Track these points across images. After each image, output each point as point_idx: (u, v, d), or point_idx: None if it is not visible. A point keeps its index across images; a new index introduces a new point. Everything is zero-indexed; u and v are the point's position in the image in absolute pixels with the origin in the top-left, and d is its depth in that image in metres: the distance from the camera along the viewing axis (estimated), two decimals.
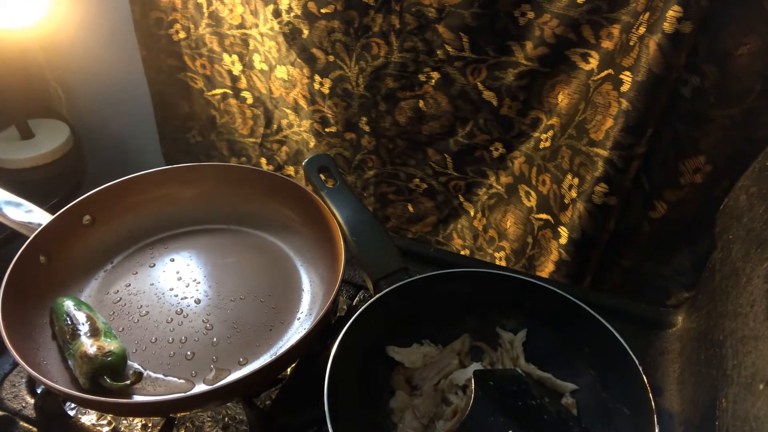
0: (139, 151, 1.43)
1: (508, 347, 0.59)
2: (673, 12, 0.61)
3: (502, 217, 0.92)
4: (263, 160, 1.11)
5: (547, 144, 0.82)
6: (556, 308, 0.57)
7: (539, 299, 0.58)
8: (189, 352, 0.60)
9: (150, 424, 0.60)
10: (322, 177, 0.69)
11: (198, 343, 0.61)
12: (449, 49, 0.81)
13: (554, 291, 0.57)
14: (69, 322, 0.58)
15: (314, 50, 0.91)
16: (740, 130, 0.67)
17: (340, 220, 0.64)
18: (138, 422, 0.60)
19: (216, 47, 1.02)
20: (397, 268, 0.61)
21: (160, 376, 0.58)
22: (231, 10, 0.98)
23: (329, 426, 0.45)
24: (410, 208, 1.01)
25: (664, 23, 0.62)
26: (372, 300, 0.56)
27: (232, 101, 1.07)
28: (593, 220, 0.76)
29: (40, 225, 0.64)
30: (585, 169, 0.76)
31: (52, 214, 0.66)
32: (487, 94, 0.83)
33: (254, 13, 0.95)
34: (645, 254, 0.79)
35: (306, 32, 0.89)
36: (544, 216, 0.85)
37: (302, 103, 0.97)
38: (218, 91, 1.08)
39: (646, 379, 0.49)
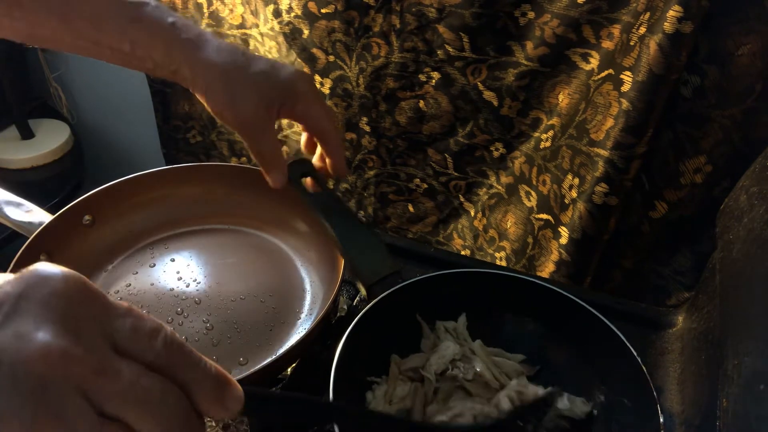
0: (139, 151, 1.43)
1: (453, 336, 0.59)
2: (673, 12, 0.61)
3: (503, 217, 0.92)
4: None
5: (548, 144, 0.82)
6: (556, 308, 0.57)
7: (539, 299, 0.58)
8: None
9: None
10: (309, 182, 0.64)
11: (198, 344, 0.61)
12: (449, 49, 0.81)
13: (555, 291, 0.57)
14: None
15: (314, 50, 0.91)
16: (740, 130, 0.67)
17: (328, 227, 0.62)
18: None
19: None
20: (389, 272, 0.59)
21: None
22: (231, 10, 0.98)
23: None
24: (411, 208, 1.01)
25: (665, 23, 0.62)
26: (368, 306, 0.55)
27: None
28: (593, 220, 0.76)
29: (40, 225, 0.64)
30: (585, 169, 0.76)
31: (52, 214, 0.66)
32: (488, 94, 0.83)
33: (254, 13, 0.95)
34: (645, 254, 0.79)
35: (306, 32, 0.89)
36: (544, 216, 0.85)
37: None
38: None
39: (647, 372, 0.49)
